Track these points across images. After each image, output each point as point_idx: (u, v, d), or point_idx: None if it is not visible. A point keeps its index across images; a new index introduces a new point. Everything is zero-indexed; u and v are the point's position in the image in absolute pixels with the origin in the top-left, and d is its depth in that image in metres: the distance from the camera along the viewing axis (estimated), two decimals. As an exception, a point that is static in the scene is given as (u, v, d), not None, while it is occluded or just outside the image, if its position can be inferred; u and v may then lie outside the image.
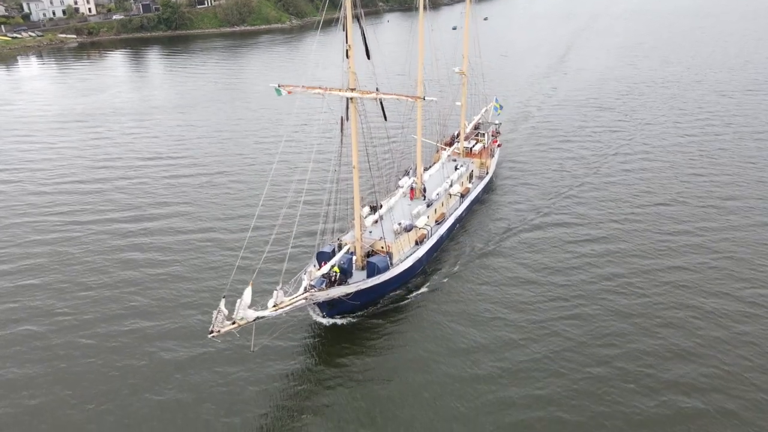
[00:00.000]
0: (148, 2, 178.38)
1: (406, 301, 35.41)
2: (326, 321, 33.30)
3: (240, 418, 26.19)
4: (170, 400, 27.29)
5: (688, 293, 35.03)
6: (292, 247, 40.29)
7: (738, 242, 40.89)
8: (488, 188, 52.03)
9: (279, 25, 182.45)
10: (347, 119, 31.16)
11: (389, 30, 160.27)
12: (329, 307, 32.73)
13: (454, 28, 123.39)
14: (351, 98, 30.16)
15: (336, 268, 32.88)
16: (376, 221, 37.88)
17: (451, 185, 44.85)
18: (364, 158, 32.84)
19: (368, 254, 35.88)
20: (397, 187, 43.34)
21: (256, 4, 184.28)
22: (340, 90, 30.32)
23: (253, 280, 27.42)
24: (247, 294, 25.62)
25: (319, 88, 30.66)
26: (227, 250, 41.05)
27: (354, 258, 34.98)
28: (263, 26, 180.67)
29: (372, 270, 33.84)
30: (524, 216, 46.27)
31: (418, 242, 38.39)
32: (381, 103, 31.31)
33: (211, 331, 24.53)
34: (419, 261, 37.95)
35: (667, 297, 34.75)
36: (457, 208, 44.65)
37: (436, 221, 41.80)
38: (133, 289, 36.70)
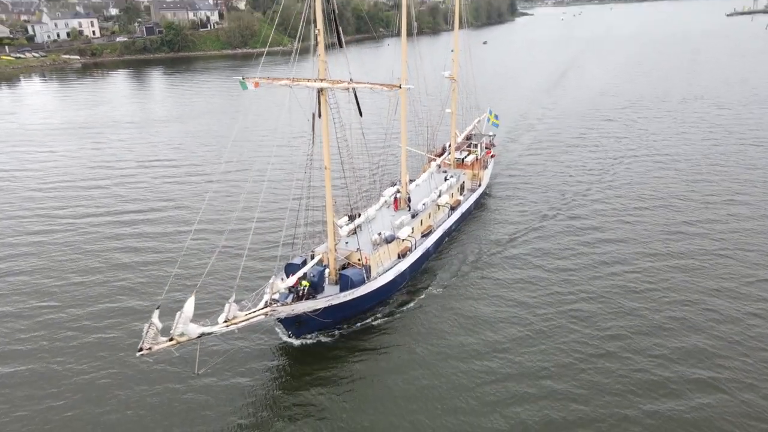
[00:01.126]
0: (151, 25, 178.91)
1: (385, 320, 31.29)
2: (294, 341, 29.25)
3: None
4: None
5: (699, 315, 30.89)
6: (254, 260, 36.62)
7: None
8: (481, 201, 48.33)
9: (281, 48, 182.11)
10: (319, 115, 27.76)
11: (388, 52, 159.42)
12: (296, 325, 28.72)
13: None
14: (321, 90, 26.80)
15: (305, 282, 29.04)
16: (354, 231, 34.14)
17: (439, 195, 41.16)
18: (340, 161, 29.35)
19: (343, 267, 32.02)
20: (380, 196, 39.71)
21: (258, 27, 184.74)
22: (308, 80, 27.00)
23: (197, 289, 23.55)
24: (189, 306, 21.65)
25: (287, 79, 27.34)
26: (167, 261, 37.30)
27: (327, 271, 31.13)
28: (263, 48, 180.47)
29: (345, 284, 29.88)
30: (519, 230, 42.35)
31: (401, 255, 34.54)
32: (355, 95, 27.90)
33: (140, 349, 20.50)
34: (401, 275, 34.01)
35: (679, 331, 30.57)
36: (445, 221, 40.89)
37: (422, 234, 37.99)
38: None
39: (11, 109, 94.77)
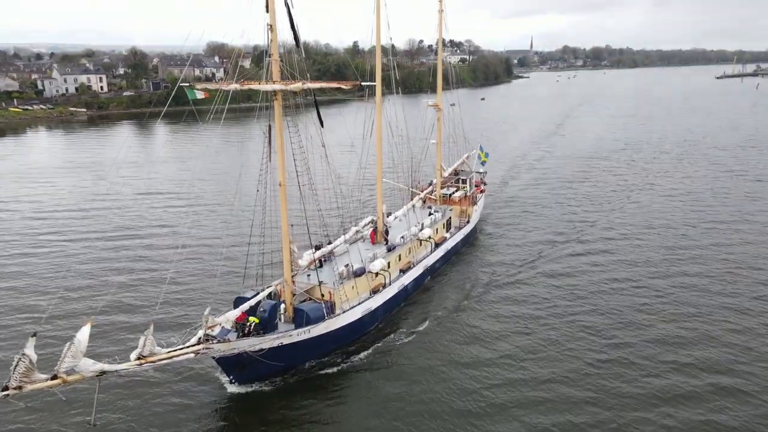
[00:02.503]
0: (158, 81, 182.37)
1: (350, 365, 26.27)
2: (236, 389, 24.19)
3: None
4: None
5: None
6: (194, 291, 32.15)
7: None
8: (469, 239, 44.02)
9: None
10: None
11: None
12: (239, 368, 23.76)
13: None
14: (274, 93, 23.39)
15: (253, 317, 24.42)
16: (319, 262, 29.75)
17: (421, 230, 36.91)
18: (299, 182, 25.48)
19: (303, 302, 27.42)
20: (352, 227, 35.53)
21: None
22: (259, 83, 23.66)
23: (93, 317, 18.97)
24: (83, 335, 17.02)
25: (236, 83, 24.01)
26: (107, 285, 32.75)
27: (282, 306, 26.48)
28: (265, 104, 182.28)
29: (300, 320, 25.14)
30: (509, 269, 37.67)
31: (374, 292, 29.91)
32: (315, 101, 24.50)
33: (5, 388, 15.71)
34: (371, 314, 29.20)
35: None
36: (427, 257, 36.45)
37: (400, 270, 33.49)
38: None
39: (16, 151, 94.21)
